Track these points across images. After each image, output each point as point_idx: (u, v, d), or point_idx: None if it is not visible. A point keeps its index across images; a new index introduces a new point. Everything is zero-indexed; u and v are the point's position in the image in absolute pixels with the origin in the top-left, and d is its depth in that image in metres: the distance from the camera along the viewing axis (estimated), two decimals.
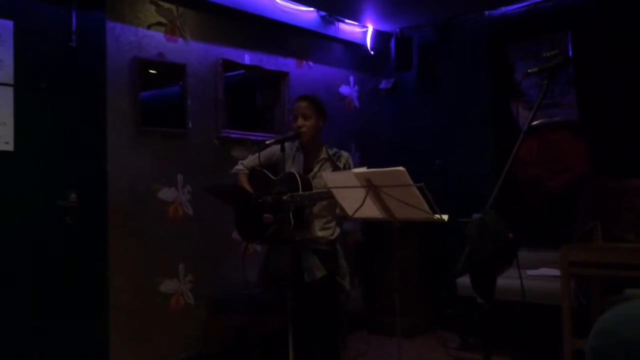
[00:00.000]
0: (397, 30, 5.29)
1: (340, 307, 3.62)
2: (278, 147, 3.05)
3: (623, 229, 3.49)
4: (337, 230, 3.20)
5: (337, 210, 2.96)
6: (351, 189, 2.54)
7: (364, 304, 5.09)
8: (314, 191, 2.91)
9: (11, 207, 3.16)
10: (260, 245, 3.55)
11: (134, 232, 3.66)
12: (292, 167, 3.15)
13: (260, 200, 3.11)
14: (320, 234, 3.10)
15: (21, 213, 3.19)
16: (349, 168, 3.10)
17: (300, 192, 2.90)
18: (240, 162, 3.34)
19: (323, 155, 3.17)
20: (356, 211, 2.61)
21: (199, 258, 3.98)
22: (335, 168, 3.12)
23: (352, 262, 3.31)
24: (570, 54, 4.36)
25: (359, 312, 5.00)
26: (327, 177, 2.72)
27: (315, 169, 3.14)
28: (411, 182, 2.32)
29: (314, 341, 3.24)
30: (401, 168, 2.33)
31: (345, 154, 3.20)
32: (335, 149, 3.20)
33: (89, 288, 3.43)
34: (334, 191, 2.69)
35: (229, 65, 4.27)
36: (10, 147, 3.16)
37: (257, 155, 3.23)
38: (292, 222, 2.92)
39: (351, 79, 5.27)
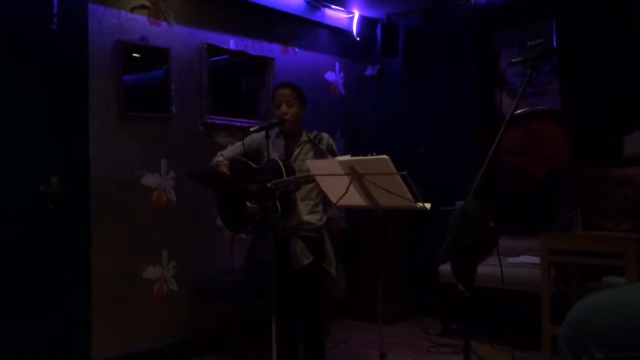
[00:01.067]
0: (384, 16, 5.27)
1: (326, 294, 3.64)
2: (257, 135, 3.04)
3: (602, 217, 3.55)
4: (325, 217, 3.21)
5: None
6: (335, 176, 2.55)
7: (347, 290, 5.12)
8: (298, 175, 2.91)
9: None
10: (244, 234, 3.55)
11: (117, 218, 3.64)
12: (273, 153, 3.14)
13: (240, 189, 3.10)
14: (307, 218, 3.11)
15: (2, 198, 3.15)
16: (332, 149, 3.11)
17: (285, 177, 2.91)
18: (219, 153, 3.30)
19: (303, 138, 3.18)
20: (340, 199, 2.62)
21: (183, 244, 3.97)
22: (317, 150, 3.11)
23: (336, 248, 3.33)
24: (555, 43, 4.38)
25: (342, 298, 5.03)
26: (311, 165, 2.72)
27: (296, 152, 3.15)
28: (394, 171, 2.33)
29: (297, 327, 3.26)
30: (385, 156, 2.34)
31: (325, 135, 3.19)
32: (315, 132, 3.20)
33: (71, 274, 3.41)
34: (318, 179, 2.70)
35: (213, 50, 4.23)
36: None
37: (238, 144, 3.22)
38: (280, 208, 2.91)
39: (337, 65, 5.26)
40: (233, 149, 3.27)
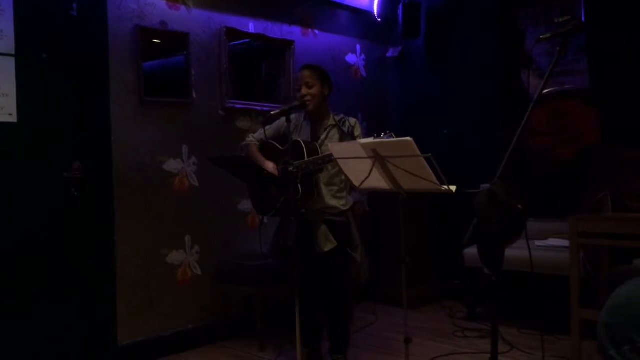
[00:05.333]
0: None
1: (350, 278, 3.63)
2: (285, 119, 3.03)
3: (634, 198, 3.44)
4: (350, 201, 3.19)
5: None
6: (358, 159, 2.51)
7: (371, 274, 5.10)
8: (317, 156, 2.90)
9: (17, 180, 3.15)
10: (270, 217, 3.56)
11: (140, 203, 3.66)
12: (300, 137, 3.13)
13: (267, 172, 3.10)
14: (331, 202, 3.09)
15: (27, 185, 3.18)
16: (352, 132, 3.09)
17: (306, 158, 2.89)
18: (250, 135, 3.37)
19: (330, 122, 3.15)
20: (363, 182, 2.58)
21: (205, 229, 3.98)
22: (342, 134, 3.09)
23: (360, 232, 3.30)
24: (583, 19, 4.24)
25: (366, 282, 5.02)
26: (333, 148, 2.69)
27: (323, 136, 3.13)
28: (418, 153, 2.28)
29: (322, 311, 3.26)
30: (408, 138, 2.29)
31: (352, 119, 3.18)
32: (342, 115, 3.19)
33: (96, 259, 3.44)
34: (340, 162, 2.66)
35: (233, 33, 4.19)
36: (13, 119, 3.13)
37: (268, 127, 3.25)
38: (300, 190, 2.90)
39: (358, 47, 5.18)
40: (262, 132, 3.28)
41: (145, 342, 3.63)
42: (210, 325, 3.96)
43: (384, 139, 2.49)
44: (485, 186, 1.96)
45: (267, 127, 3.25)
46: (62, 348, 3.26)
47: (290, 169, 2.81)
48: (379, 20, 5.19)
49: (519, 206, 1.90)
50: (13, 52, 3.12)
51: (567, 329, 3.21)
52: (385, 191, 2.61)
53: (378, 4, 5.15)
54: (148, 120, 3.71)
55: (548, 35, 2.16)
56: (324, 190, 3.10)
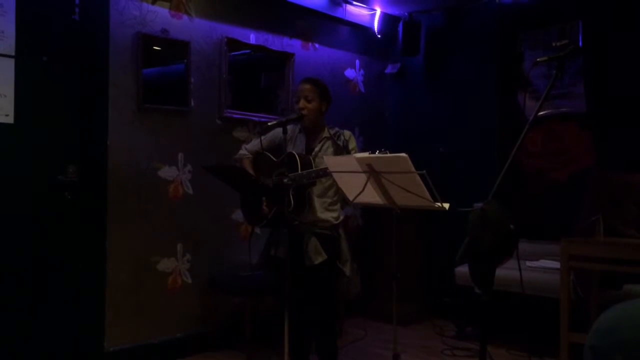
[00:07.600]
0: (406, 14, 5.21)
1: (339, 292, 3.61)
2: (280, 130, 3.03)
3: (626, 223, 3.46)
4: (342, 214, 3.19)
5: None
6: (352, 173, 2.51)
7: (362, 289, 5.09)
8: (312, 169, 2.89)
9: (11, 181, 3.14)
10: (260, 228, 3.55)
11: (133, 209, 3.64)
12: (294, 149, 3.13)
13: (260, 183, 3.11)
14: (322, 216, 3.08)
15: (21, 187, 3.17)
16: (347, 146, 3.09)
17: (300, 171, 2.89)
18: (243, 146, 3.36)
19: (325, 134, 3.16)
20: (357, 196, 2.58)
21: (198, 238, 3.97)
22: (336, 147, 3.10)
23: (351, 247, 3.30)
24: (581, 43, 4.29)
25: (356, 297, 5.00)
26: (329, 161, 2.69)
27: (317, 149, 3.13)
28: (413, 169, 2.29)
29: (311, 325, 3.24)
30: (403, 154, 2.29)
31: (346, 132, 3.18)
32: (336, 129, 3.19)
33: (87, 264, 3.42)
34: (335, 175, 2.67)
35: (234, 44, 4.21)
36: (10, 120, 3.13)
37: (260, 139, 3.23)
38: (292, 203, 2.90)
39: (357, 62, 5.21)
40: (256, 143, 3.28)
41: (132, 349, 3.60)
42: (198, 334, 3.93)
43: (378, 154, 2.50)
44: (478, 205, 1.97)
45: (262, 138, 3.25)
46: (48, 352, 3.23)
47: (285, 180, 2.81)
48: (379, 36, 5.23)
49: (511, 226, 1.90)
50: (13, 53, 3.13)
51: (556, 351, 3.21)
52: (379, 206, 2.61)
53: (378, 21, 5.19)
54: (145, 126, 3.71)
55: (545, 58, 2.19)
56: (317, 202, 3.10)
